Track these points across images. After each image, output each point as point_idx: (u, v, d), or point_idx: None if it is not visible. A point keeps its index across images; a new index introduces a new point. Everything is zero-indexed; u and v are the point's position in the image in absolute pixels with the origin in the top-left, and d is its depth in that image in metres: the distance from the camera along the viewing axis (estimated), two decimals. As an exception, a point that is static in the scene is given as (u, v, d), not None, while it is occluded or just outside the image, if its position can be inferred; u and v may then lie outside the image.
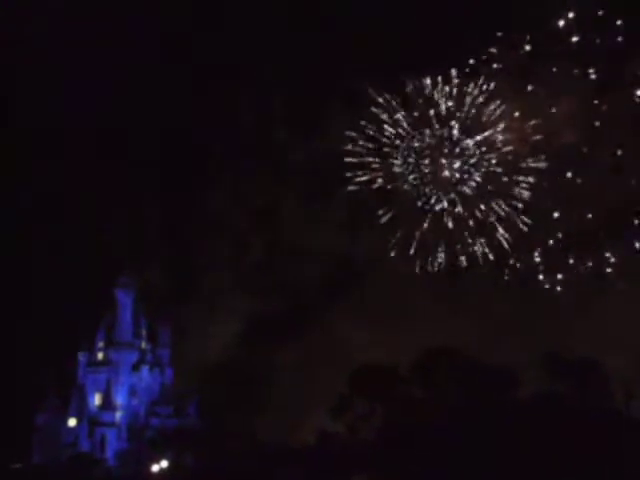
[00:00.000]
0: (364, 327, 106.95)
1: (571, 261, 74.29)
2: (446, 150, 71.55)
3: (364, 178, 74.13)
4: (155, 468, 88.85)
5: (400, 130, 72.91)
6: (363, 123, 73.33)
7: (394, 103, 72.34)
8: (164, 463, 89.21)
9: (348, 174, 75.04)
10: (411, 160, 73.31)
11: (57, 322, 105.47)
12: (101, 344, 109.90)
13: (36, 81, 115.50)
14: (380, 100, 72.33)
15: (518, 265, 76.10)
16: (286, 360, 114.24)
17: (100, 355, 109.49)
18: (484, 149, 70.96)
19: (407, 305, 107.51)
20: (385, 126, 73.06)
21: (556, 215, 73.74)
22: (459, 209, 73.51)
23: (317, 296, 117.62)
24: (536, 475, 62.64)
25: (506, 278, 74.82)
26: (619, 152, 68.55)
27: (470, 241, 74.72)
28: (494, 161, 71.02)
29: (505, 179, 71.84)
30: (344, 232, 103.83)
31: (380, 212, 75.18)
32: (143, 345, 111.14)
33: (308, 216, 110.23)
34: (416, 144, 72.52)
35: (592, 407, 68.64)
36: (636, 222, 69.99)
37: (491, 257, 74.80)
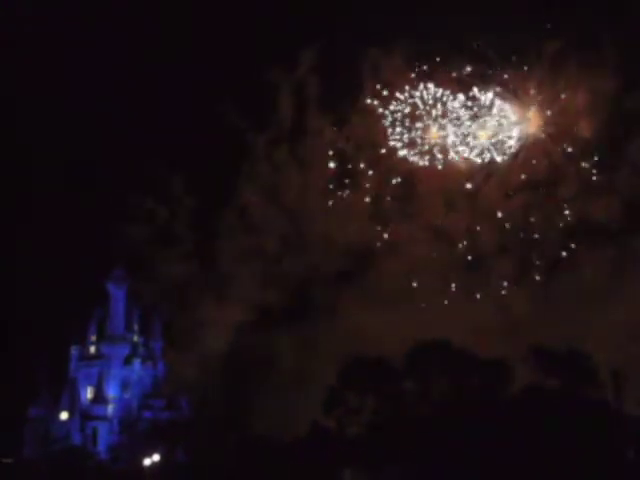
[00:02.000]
0: (368, 320, 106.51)
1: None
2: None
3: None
4: (147, 461, 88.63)
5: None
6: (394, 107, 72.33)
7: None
8: (156, 456, 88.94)
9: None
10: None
11: (49, 316, 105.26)
12: (93, 338, 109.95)
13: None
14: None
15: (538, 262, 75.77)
16: (285, 352, 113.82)
17: (92, 349, 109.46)
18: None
19: (411, 297, 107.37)
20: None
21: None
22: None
23: (322, 288, 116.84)
24: (527, 469, 62.71)
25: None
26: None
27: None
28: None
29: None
30: (363, 222, 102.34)
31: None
32: (135, 338, 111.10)
33: (329, 205, 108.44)
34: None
35: (582, 400, 68.66)
36: None
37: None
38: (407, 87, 73.13)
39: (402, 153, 76.10)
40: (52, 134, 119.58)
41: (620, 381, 71.26)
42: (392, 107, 74.58)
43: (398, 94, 73.86)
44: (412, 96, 73.27)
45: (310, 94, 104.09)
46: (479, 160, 71.55)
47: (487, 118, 70.45)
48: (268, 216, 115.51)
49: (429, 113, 72.64)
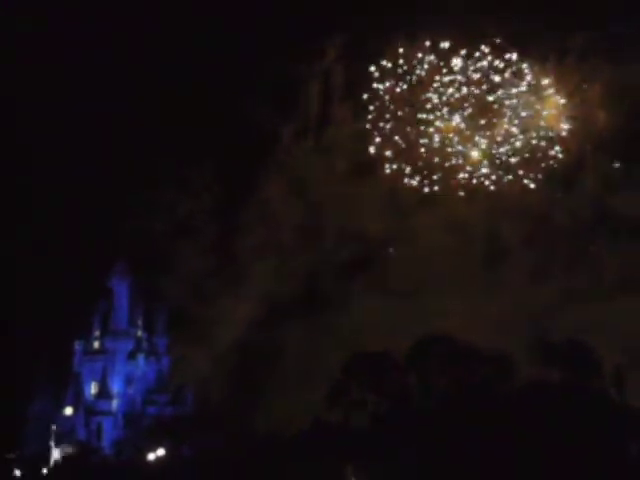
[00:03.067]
0: (380, 313, 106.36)
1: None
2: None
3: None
4: (151, 456, 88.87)
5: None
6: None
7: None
8: (161, 451, 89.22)
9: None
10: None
11: (53, 310, 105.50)
12: (97, 333, 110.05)
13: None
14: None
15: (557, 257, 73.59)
16: (293, 347, 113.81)
17: (96, 344, 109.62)
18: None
19: (424, 289, 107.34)
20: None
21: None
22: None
23: (333, 281, 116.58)
24: (530, 463, 62.65)
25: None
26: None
27: None
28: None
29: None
30: (379, 214, 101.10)
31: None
32: (139, 333, 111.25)
33: (346, 196, 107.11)
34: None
35: (585, 393, 68.58)
36: None
37: None
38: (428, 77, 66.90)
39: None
40: (56, 125, 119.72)
41: (623, 375, 71.21)
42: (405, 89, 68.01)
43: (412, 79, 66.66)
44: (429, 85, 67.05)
45: (333, 84, 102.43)
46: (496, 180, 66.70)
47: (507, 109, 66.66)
48: (286, 207, 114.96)
49: (447, 103, 66.55)
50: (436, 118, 66.06)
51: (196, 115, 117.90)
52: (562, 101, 64.97)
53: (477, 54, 64.25)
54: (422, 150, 64.86)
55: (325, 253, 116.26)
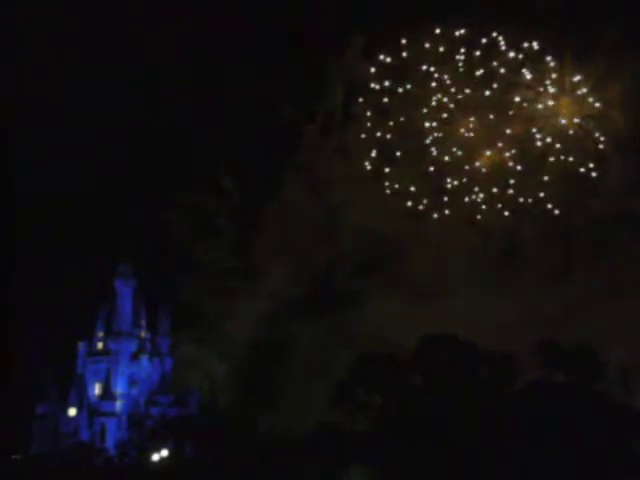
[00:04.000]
0: (393, 314, 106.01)
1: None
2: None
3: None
4: (155, 457, 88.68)
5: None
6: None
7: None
8: (164, 452, 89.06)
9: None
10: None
11: (56, 312, 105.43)
12: (100, 334, 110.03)
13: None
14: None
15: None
16: (303, 346, 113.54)
17: (99, 345, 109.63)
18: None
19: (434, 290, 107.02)
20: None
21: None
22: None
23: (346, 281, 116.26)
24: (537, 463, 62.51)
25: None
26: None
27: None
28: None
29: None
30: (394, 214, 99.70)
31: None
32: (142, 334, 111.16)
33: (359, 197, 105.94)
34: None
35: (591, 394, 68.39)
36: None
37: None
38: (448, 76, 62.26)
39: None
40: (58, 124, 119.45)
41: (629, 376, 71.04)
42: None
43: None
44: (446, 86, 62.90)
45: (354, 84, 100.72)
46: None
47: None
48: (305, 206, 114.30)
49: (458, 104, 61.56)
50: (444, 125, 60.60)
51: (215, 115, 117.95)
52: (589, 99, 62.76)
53: (497, 44, 59.82)
54: (431, 168, 59.03)
55: (338, 253, 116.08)
